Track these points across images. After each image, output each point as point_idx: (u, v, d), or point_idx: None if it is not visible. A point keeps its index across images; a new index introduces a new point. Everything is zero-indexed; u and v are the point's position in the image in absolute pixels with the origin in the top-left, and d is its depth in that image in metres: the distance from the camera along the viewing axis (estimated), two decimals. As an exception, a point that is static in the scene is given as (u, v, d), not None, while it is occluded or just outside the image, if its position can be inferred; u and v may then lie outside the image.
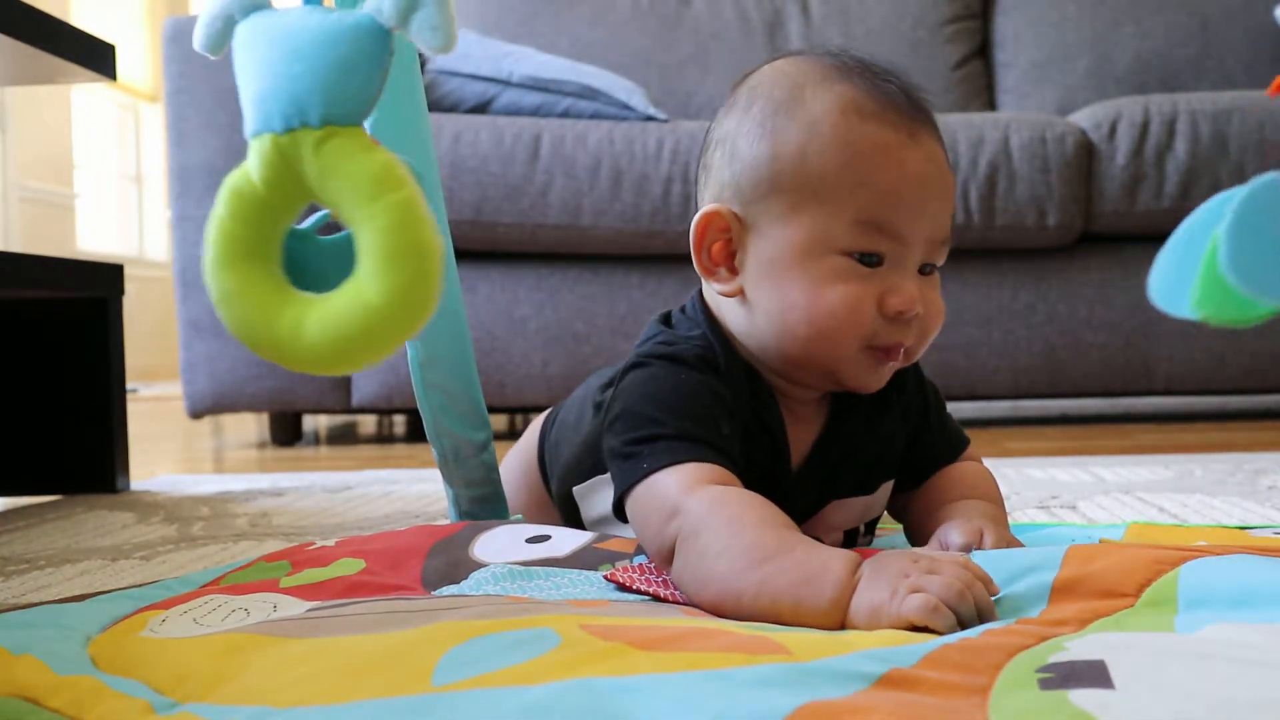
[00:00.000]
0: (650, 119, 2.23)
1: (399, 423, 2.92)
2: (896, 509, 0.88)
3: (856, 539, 0.85)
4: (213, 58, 0.68)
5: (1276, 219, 0.42)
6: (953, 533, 0.74)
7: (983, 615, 0.58)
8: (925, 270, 0.77)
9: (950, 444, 0.87)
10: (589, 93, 2.25)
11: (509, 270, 2.22)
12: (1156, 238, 2.48)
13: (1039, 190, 2.18)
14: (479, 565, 0.76)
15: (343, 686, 0.51)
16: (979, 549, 0.72)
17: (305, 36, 0.62)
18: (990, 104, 2.76)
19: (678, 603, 0.69)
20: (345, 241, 0.67)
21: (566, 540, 0.80)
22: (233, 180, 0.64)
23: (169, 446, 2.49)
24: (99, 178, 6.11)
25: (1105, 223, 2.22)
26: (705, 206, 0.79)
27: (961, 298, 2.22)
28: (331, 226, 0.71)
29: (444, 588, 0.73)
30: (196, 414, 2.28)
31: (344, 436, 2.62)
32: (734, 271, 0.78)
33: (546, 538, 0.80)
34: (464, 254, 2.02)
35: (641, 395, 0.76)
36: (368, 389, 2.22)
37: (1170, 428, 2.27)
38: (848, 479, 0.82)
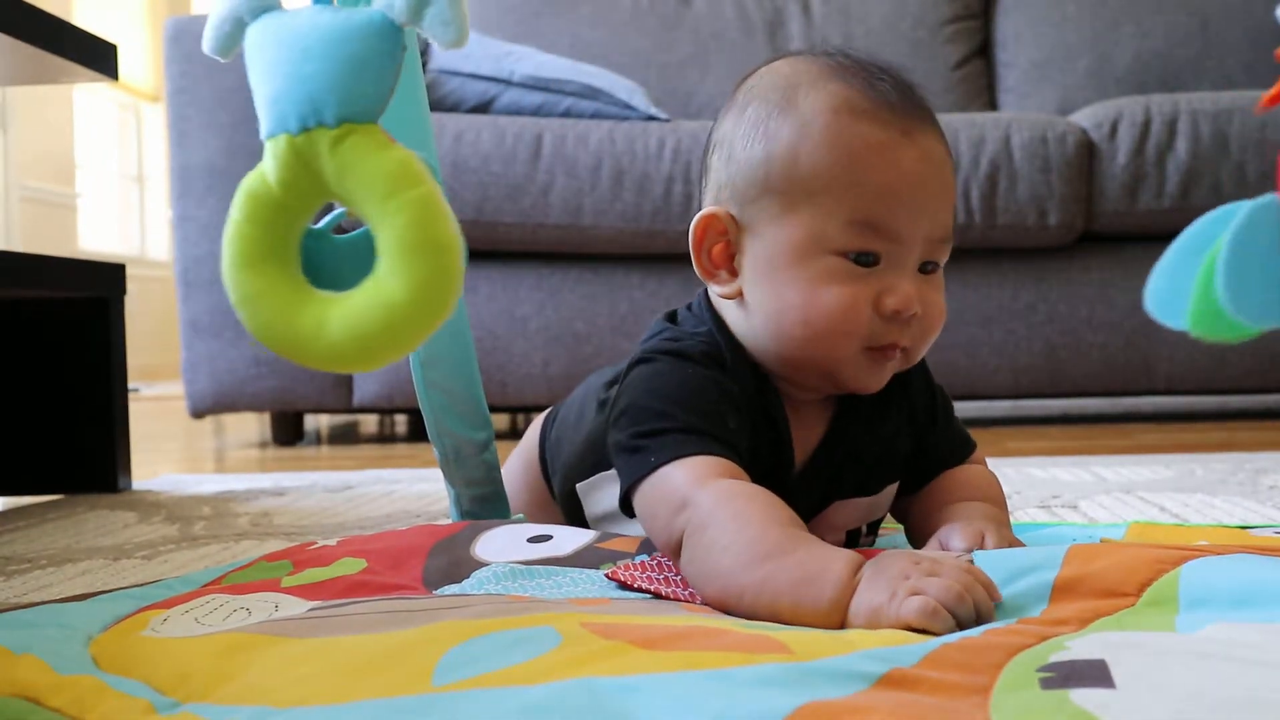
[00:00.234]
0: (651, 119, 2.23)
1: (400, 422, 2.92)
2: (899, 511, 0.88)
3: (859, 539, 0.85)
4: (222, 61, 0.68)
5: (1271, 244, 0.42)
6: (954, 536, 0.74)
7: (982, 618, 0.58)
8: (927, 269, 0.77)
9: (956, 448, 0.86)
10: (590, 92, 2.25)
11: (510, 270, 2.22)
12: (1157, 237, 2.48)
13: (1040, 190, 2.18)
14: (480, 565, 0.76)
15: (343, 686, 0.51)
16: (981, 550, 0.72)
17: (317, 36, 0.62)
18: (991, 104, 2.76)
19: (679, 600, 0.69)
20: (361, 240, 0.67)
21: (568, 540, 0.80)
22: (248, 183, 0.64)
23: (170, 446, 2.49)
24: (100, 177, 6.11)
25: (1106, 222, 2.22)
26: (703, 209, 0.79)
27: (962, 297, 2.22)
28: (345, 226, 0.71)
29: (445, 587, 0.73)
30: (198, 413, 2.28)
31: (345, 436, 2.62)
32: (734, 274, 0.78)
33: (548, 537, 0.81)
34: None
35: (648, 390, 0.76)
36: (369, 389, 2.23)
37: (1171, 427, 2.27)
38: (851, 480, 0.82)
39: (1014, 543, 0.75)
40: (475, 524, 0.84)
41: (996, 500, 0.83)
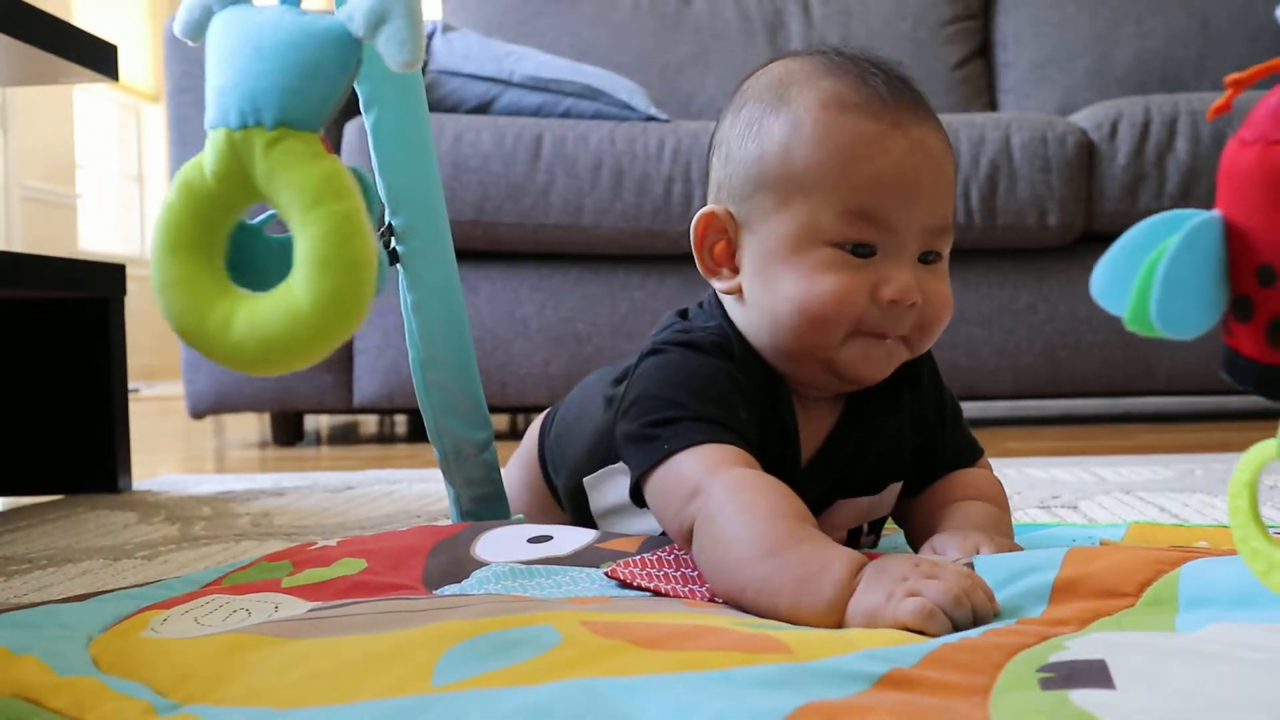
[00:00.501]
0: (651, 119, 2.23)
1: (400, 422, 2.92)
2: (900, 512, 0.87)
3: (860, 538, 0.85)
4: (191, 44, 0.68)
5: (1204, 264, 0.45)
6: (948, 546, 0.73)
7: (979, 621, 0.58)
8: (928, 259, 0.77)
9: (962, 451, 0.86)
10: (590, 93, 2.25)
11: (510, 270, 2.22)
12: (1157, 237, 2.44)
13: (1040, 190, 2.18)
14: (481, 564, 0.76)
15: (343, 687, 0.51)
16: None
17: (274, 36, 0.63)
18: (991, 104, 2.76)
19: (679, 597, 0.69)
20: (290, 242, 0.68)
21: (568, 540, 0.80)
22: (186, 171, 0.65)
23: (171, 446, 2.49)
24: (101, 177, 6.11)
25: (1106, 222, 2.22)
26: (703, 208, 0.80)
27: (962, 297, 2.22)
28: (282, 224, 0.71)
29: (445, 587, 0.73)
30: (198, 414, 2.28)
31: (345, 436, 2.62)
32: (735, 271, 0.79)
33: (548, 537, 0.81)
34: (465, 254, 2.01)
35: (660, 380, 0.76)
36: (369, 389, 2.23)
37: (1171, 427, 2.27)
38: (856, 478, 0.82)
39: (1014, 549, 0.74)
40: (475, 524, 0.84)
41: (998, 502, 0.82)
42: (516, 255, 2.22)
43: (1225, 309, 0.46)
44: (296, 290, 0.61)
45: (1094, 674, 0.47)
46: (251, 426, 2.92)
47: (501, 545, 0.80)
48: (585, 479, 0.87)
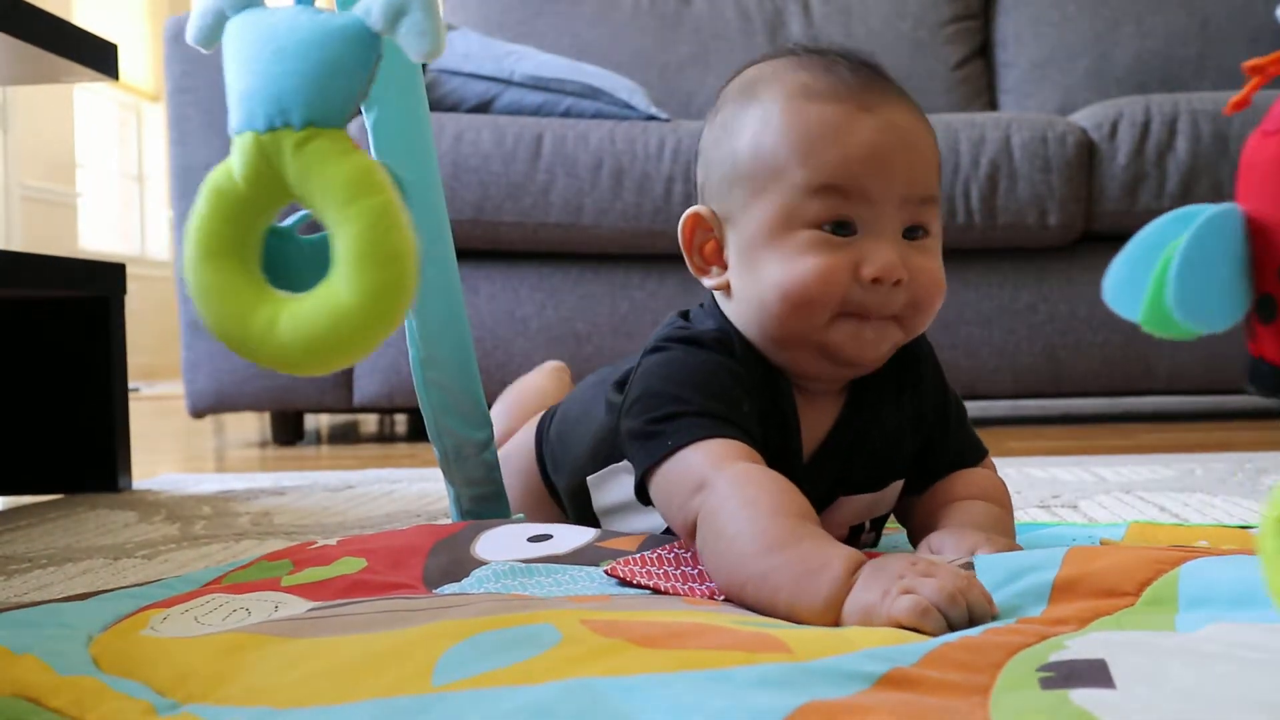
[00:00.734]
0: (652, 118, 2.23)
1: (400, 422, 2.92)
2: (902, 510, 0.88)
3: (860, 535, 0.85)
4: (204, 51, 0.68)
5: (1224, 253, 0.43)
6: (946, 546, 0.73)
7: (975, 620, 0.57)
8: (915, 235, 0.76)
9: (964, 451, 0.86)
10: (591, 92, 2.25)
11: (510, 269, 2.22)
12: (1158, 237, 2.42)
13: (1040, 190, 2.18)
14: (480, 563, 0.76)
15: (343, 687, 0.51)
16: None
17: (293, 36, 0.63)
18: (991, 104, 2.76)
19: (679, 595, 0.69)
20: (325, 242, 0.68)
21: (568, 538, 0.80)
22: (214, 177, 0.65)
23: (171, 445, 2.49)
24: (101, 177, 6.11)
25: (1106, 222, 2.22)
26: (687, 210, 0.81)
27: (962, 297, 2.22)
28: (313, 226, 0.71)
29: (445, 586, 0.73)
30: (198, 413, 2.28)
31: (345, 435, 2.62)
32: (724, 267, 0.81)
33: (548, 536, 0.81)
34: (465, 253, 2.01)
35: (662, 376, 0.77)
36: (369, 388, 2.22)
37: (1171, 427, 2.27)
38: (858, 475, 0.82)
39: (1013, 549, 0.74)
40: (475, 523, 0.85)
41: (1000, 502, 0.82)
42: (516, 255, 2.22)
43: (1249, 309, 0.43)
44: (340, 287, 0.61)
45: (1094, 673, 0.47)
46: (251, 426, 2.92)
47: (501, 544, 0.80)
48: (589, 478, 0.87)
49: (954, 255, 2.27)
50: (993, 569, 0.63)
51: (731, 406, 0.75)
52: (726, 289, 0.80)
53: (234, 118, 0.64)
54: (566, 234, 2.18)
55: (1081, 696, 0.44)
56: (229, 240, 0.65)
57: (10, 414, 1.58)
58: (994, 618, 0.58)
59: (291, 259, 0.68)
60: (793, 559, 0.63)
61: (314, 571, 0.75)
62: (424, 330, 0.88)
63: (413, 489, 1.50)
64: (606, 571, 0.74)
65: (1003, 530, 0.79)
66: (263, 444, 2.41)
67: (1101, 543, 0.82)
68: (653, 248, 2.19)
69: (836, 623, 0.60)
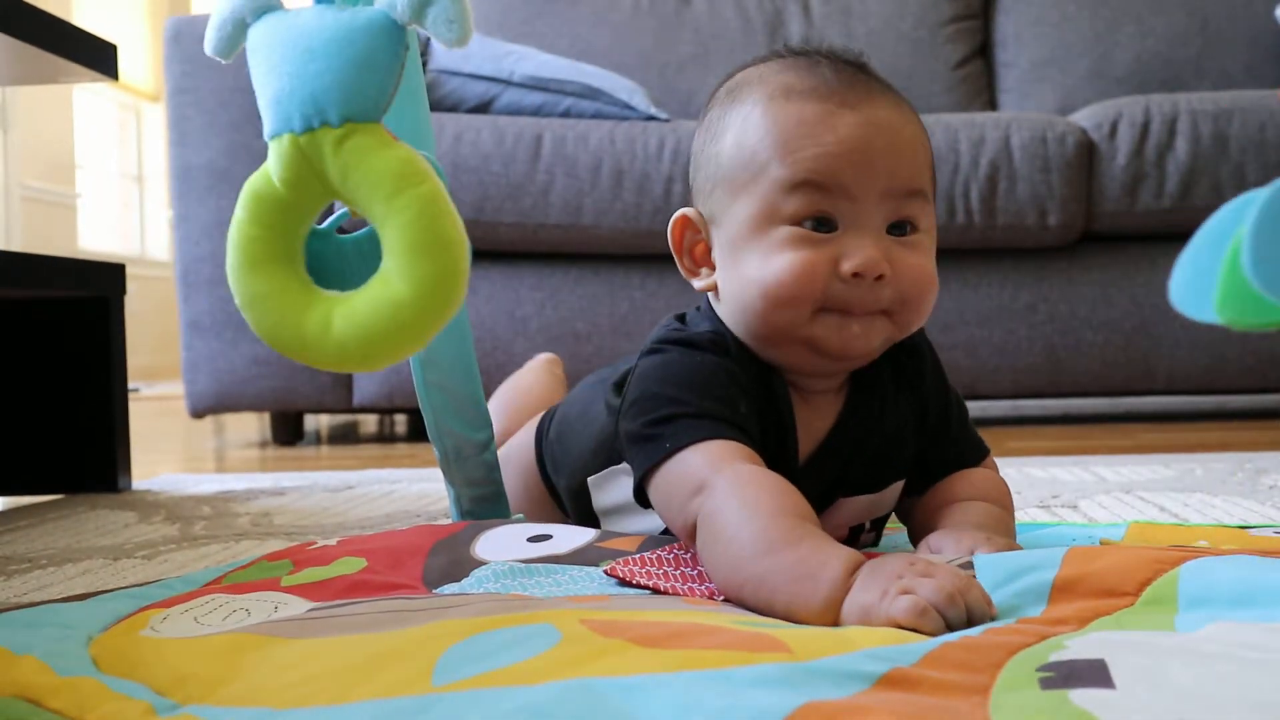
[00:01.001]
0: (651, 119, 2.23)
1: (400, 422, 2.92)
2: (902, 510, 0.88)
3: (861, 535, 0.85)
4: (224, 62, 0.68)
5: None
6: (945, 546, 0.73)
7: (974, 621, 0.57)
8: (902, 231, 0.76)
9: (966, 451, 0.86)
10: (590, 92, 2.25)
11: (510, 270, 2.22)
12: (1158, 237, 2.46)
13: (1040, 190, 2.18)
14: (480, 563, 0.76)
15: (343, 687, 0.51)
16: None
17: (320, 36, 0.62)
18: (991, 104, 2.76)
19: (679, 595, 0.69)
20: (365, 239, 0.68)
21: (568, 538, 0.80)
22: (253, 183, 0.64)
23: (170, 446, 2.49)
24: (101, 177, 6.11)
25: (1106, 222, 2.22)
26: (676, 212, 0.82)
27: (962, 297, 2.22)
28: (348, 226, 0.71)
29: (445, 586, 0.73)
30: (198, 413, 2.28)
31: (345, 436, 2.62)
32: (713, 268, 0.81)
33: (548, 536, 0.81)
34: (465, 254, 2.02)
35: (659, 378, 0.77)
36: (369, 388, 2.23)
37: (1171, 427, 2.27)
38: (857, 475, 0.82)
39: (1013, 549, 0.74)
40: (475, 523, 0.85)
41: (1001, 503, 0.82)
42: (516, 255, 2.22)
43: None
44: (393, 279, 0.61)
45: (1094, 673, 0.47)
46: (251, 426, 2.92)
47: (501, 544, 0.80)
48: (590, 479, 0.87)
49: (954, 255, 2.28)
50: (992, 569, 0.63)
51: (729, 407, 0.75)
52: (715, 290, 0.81)
53: (268, 123, 0.63)
54: (566, 234, 2.18)
55: (1081, 696, 0.44)
56: (273, 246, 0.64)
57: (10, 414, 1.58)
58: (992, 618, 0.58)
59: (332, 259, 0.68)
60: (791, 560, 0.63)
61: (314, 572, 0.75)
62: (424, 330, 0.88)
63: (413, 489, 1.50)
64: (606, 572, 0.74)
65: (1003, 530, 0.79)
66: (263, 444, 2.41)
67: (1101, 543, 0.82)
68: (652, 248, 2.19)
69: (835, 623, 0.60)
